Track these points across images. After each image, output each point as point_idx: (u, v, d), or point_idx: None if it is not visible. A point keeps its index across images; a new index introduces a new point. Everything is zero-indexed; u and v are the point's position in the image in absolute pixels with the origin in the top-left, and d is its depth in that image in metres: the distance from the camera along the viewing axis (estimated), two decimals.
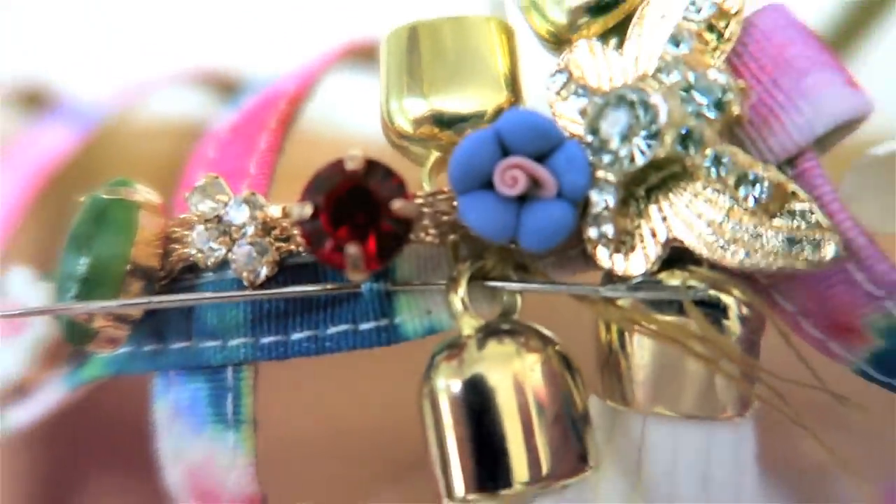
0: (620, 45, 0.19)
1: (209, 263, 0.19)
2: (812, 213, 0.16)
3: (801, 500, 0.22)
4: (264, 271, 0.19)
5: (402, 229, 0.17)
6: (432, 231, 0.19)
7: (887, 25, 0.29)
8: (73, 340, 0.19)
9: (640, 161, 0.17)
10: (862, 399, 0.17)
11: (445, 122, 0.19)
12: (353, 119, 0.28)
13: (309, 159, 0.23)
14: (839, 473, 0.18)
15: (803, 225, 0.16)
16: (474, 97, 0.19)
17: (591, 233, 0.18)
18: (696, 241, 0.17)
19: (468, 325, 0.18)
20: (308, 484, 0.24)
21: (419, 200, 0.18)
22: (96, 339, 0.19)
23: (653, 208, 0.18)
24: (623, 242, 0.18)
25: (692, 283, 0.17)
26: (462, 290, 0.18)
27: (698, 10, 0.18)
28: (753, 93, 0.17)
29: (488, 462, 0.18)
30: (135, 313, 0.19)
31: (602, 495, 0.18)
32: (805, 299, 0.18)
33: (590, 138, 0.17)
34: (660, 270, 0.18)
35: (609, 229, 0.17)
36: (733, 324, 0.18)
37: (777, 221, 0.17)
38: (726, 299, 0.18)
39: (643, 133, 0.17)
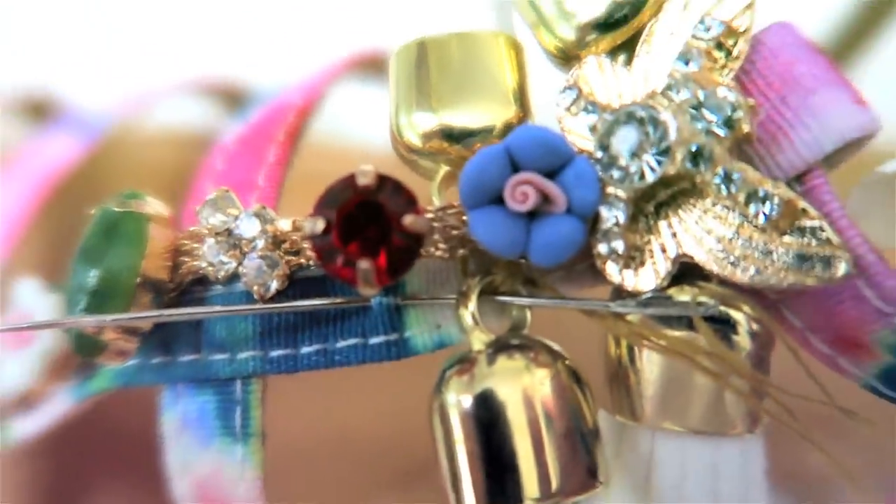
0: (629, 61, 0.19)
1: (219, 276, 0.19)
2: (822, 231, 0.17)
3: None
4: (275, 285, 0.19)
5: (414, 244, 0.17)
6: (442, 245, 0.19)
7: (891, 38, 0.30)
8: (83, 353, 0.19)
9: (650, 177, 0.17)
10: (868, 412, 0.17)
11: (454, 136, 0.19)
12: (360, 130, 0.28)
13: (316, 171, 0.23)
14: (846, 486, 0.18)
15: (814, 242, 0.17)
16: (483, 112, 0.19)
17: (602, 248, 0.18)
18: (707, 257, 0.17)
19: (478, 340, 0.18)
20: (312, 491, 0.24)
21: (429, 215, 0.18)
22: (106, 352, 0.19)
23: (662, 224, 0.18)
24: (632, 258, 0.18)
25: (702, 299, 0.17)
26: (472, 304, 0.18)
27: (707, 29, 0.18)
28: (762, 110, 0.18)
29: (498, 477, 0.18)
30: (144, 326, 0.19)
31: None
32: (814, 315, 0.18)
33: (600, 154, 0.18)
34: (669, 286, 0.18)
35: (619, 245, 0.17)
36: (743, 339, 0.18)
37: (787, 238, 0.17)
38: (735, 315, 0.18)
39: (653, 150, 0.17)
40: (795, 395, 0.17)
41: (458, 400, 0.18)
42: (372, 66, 0.26)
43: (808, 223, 0.17)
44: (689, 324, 0.18)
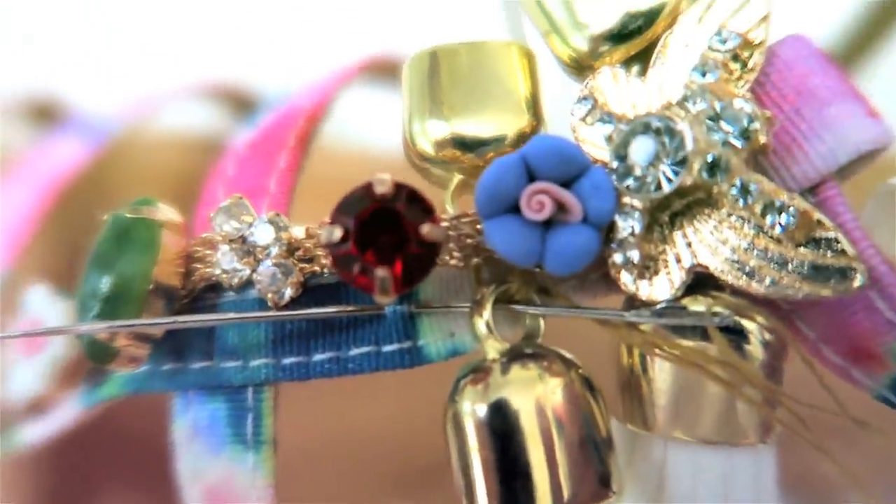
0: (643, 71, 0.19)
1: (233, 283, 0.19)
2: (838, 242, 0.17)
3: None
4: (289, 292, 0.19)
5: (430, 253, 0.17)
6: (456, 254, 0.19)
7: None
8: (95, 359, 0.19)
9: (666, 188, 0.17)
10: (878, 421, 0.18)
11: (467, 145, 0.19)
12: (370, 134, 0.28)
13: (326, 175, 0.23)
14: (856, 495, 0.18)
15: (829, 253, 0.17)
16: (495, 121, 0.19)
17: (617, 258, 0.18)
18: (722, 267, 0.17)
19: (493, 349, 0.18)
20: (323, 498, 0.24)
21: (444, 223, 0.18)
22: (118, 358, 0.19)
23: (677, 234, 0.18)
24: (647, 268, 0.18)
25: (717, 309, 0.17)
26: (487, 313, 0.18)
27: (724, 41, 0.18)
28: (776, 121, 0.18)
29: (512, 486, 0.18)
30: (156, 332, 0.19)
31: None
32: (826, 326, 0.18)
33: (615, 164, 0.18)
34: (683, 296, 0.18)
35: (635, 255, 0.17)
36: (756, 349, 0.18)
37: (802, 249, 0.17)
38: (748, 325, 0.18)
39: (669, 160, 0.17)
40: (808, 405, 0.17)
41: (473, 409, 0.18)
42: (382, 71, 0.26)
43: (823, 234, 0.17)
44: (702, 334, 0.18)
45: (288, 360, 0.19)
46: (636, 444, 0.19)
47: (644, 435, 0.19)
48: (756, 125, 0.17)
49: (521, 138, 0.19)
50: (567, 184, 0.18)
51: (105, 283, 0.19)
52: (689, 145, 0.17)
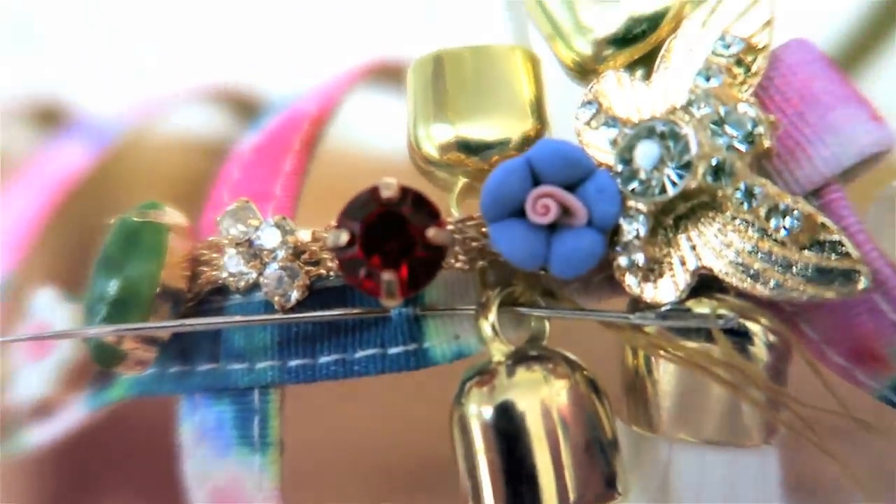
0: (647, 76, 0.19)
1: (240, 287, 0.19)
2: (842, 245, 0.17)
3: None
4: (295, 295, 0.19)
5: (436, 256, 0.18)
6: (462, 257, 0.19)
7: None
8: (102, 362, 0.19)
9: (671, 191, 0.17)
10: (881, 422, 0.18)
11: (471, 148, 0.19)
12: (376, 138, 0.28)
13: (329, 179, 0.23)
14: (858, 496, 0.18)
15: (833, 256, 0.17)
16: (500, 125, 0.19)
17: (622, 261, 0.18)
18: (726, 269, 0.17)
19: (498, 352, 0.18)
20: (329, 500, 0.24)
21: (449, 227, 0.18)
22: (125, 361, 0.19)
23: (681, 237, 0.18)
24: (652, 270, 0.18)
25: (722, 311, 0.17)
26: (492, 315, 0.19)
27: (728, 46, 0.18)
28: (780, 125, 0.18)
29: (518, 488, 0.18)
30: (163, 335, 0.19)
31: None
32: (830, 328, 0.18)
33: (620, 168, 0.18)
34: (687, 298, 0.18)
35: (640, 258, 0.18)
36: (760, 351, 0.18)
37: (807, 252, 0.17)
38: (753, 327, 0.18)
39: (674, 164, 0.17)
40: (811, 407, 0.17)
41: (479, 411, 0.18)
42: (387, 75, 0.26)
43: (827, 237, 0.17)
44: (706, 336, 0.18)
45: (294, 363, 0.19)
46: (641, 445, 0.19)
47: (649, 436, 0.19)
48: (760, 129, 0.17)
49: (526, 142, 0.19)
50: (572, 187, 0.18)
51: (112, 287, 0.19)
52: (694, 149, 0.17)
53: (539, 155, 0.18)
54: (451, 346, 0.19)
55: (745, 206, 0.17)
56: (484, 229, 0.18)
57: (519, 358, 0.18)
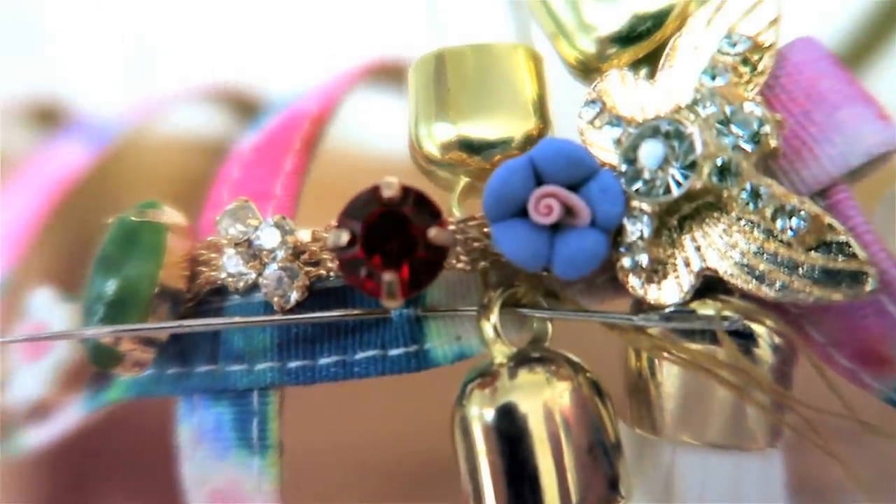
0: (651, 74, 0.19)
1: (239, 287, 0.19)
2: (849, 246, 0.17)
3: None
4: (295, 295, 0.19)
5: (438, 257, 0.17)
6: (463, 258, 0.19)
7: None
8: (100, 363, 0.19)
9: (675, 191, 0.17)
10: (888, 424, 0.17)
11: (474, 148, 0.19)
12: (377, 138, 0.28)
13: (330, 178, 0.23)
14: (863, 498, 0.18)
15: (840, 257, 0.17)
16: (502, 124, 0.19)
17: (626, 262, 0.18)
18: (731, 270, 0.17)
19: (500, 353, 0.18)
20: (326, 497, 0.24)
21: (451, 227, 0.18)
22: (123, 362, 0.19)
23: (686, 238, 0.18)
24: (656, 271, 0.18)
25: (726, 313, 0.17)
26: (494, 317, 0.18)
27: (734, 45, 0.18)
28: (787, 125, 0.18)
29: (520, 490, 0.18)
30: (161, 336, 0.19)
31: None
32: (836, 330, 0.18)
33: (624, 168, 0.18)
34: (691, 300, 0.18)
35: (644, 259, 0.17)
36: (765, 353, 0.18)
37: (813, 253, 0.17)
38: (757, 329, 0.18)
39: (678, 164, 0.17)
40: (817, 409, 0.17)
41: (481, 413, 0.18)
42: (388, 74, 0.26)
43: (834, 238, 0.17)
44: (711, 338, 0.18)
45: (293, 364, 0.19)
46: (644, 448, 0.19)
47: (652, 439, 0.19)
48: (766, 129, 0.17)
49: (528, 141, 0.19)
50: (575, 187, 0.18)
51: (110, 287, 0.19)
52: (699, 149, 0.17)
53: (542, 154, 0.18)
54: (452, 348, 0.19)
55: (751, 206, 0.17)
56: (486, 229, 0.18)
57: (521, 360, 0.18)
